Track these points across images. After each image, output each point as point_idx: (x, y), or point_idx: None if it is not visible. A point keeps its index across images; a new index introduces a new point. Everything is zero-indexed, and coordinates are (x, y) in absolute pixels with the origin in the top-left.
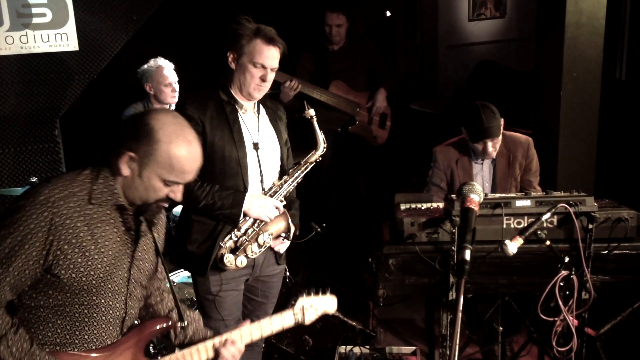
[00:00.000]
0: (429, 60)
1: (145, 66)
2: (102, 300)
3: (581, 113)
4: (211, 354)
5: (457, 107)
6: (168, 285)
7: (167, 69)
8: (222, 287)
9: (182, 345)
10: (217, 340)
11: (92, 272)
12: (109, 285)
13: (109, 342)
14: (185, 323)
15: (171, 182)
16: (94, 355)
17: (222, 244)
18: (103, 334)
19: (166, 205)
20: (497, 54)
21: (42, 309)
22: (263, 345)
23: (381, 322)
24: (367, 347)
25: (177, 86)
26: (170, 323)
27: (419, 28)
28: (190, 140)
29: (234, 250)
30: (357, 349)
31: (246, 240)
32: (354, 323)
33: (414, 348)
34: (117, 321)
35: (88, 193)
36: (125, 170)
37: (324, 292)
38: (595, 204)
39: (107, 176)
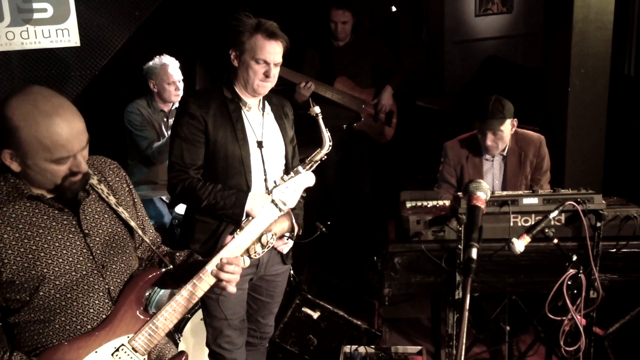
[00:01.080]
0: (435, 56)
1: (150, 63)
2: (68, 281)
3: (589, 109)
4: (211, 282)
5: (464, 104)
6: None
7: (171, 66)
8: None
9: (182, 280)
10: (211, 266)
11: (37, 263)
12: (67, 267)
13: (103, 317)
14: (170, 267)
15: (61, 160)
16: (95, 334)
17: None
18: (91, 311)
19: (78, 178)
20: (504, 49)
21: (17, 314)
22: (267, 344)
23: (386, 321)
24: (372, 346)
25: (181, 85)
26: (156, 272)
27: (424, 24)
28: (49, 112)
29: None
30: (362, 349)
31: None
32: (359, 322)
33: (419, 348)
34: (102, 294)
35: None
36: (14, 166)
37: (296, 172)
38: (604, 202)
39: (6, 176)
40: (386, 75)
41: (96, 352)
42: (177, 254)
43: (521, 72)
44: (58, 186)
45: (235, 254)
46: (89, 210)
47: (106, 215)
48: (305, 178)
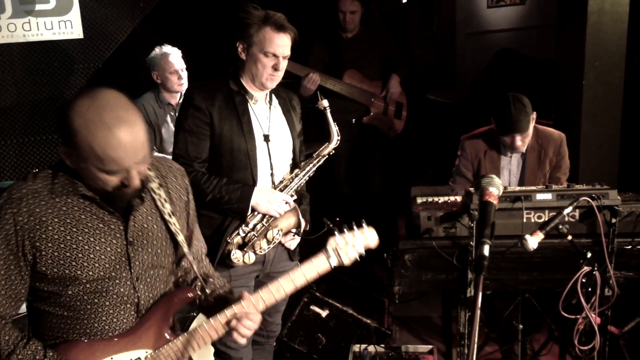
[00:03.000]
0: (446, 48)
1: (152, 54)
2: (99, 287)
3: (604, 103)
4: (222, 332)
5: (476, 97)
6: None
7: (172, 55)
8: (231, 283)
9: (205, 310)
10: (229, 313)
11: (73, 263)
12: (101, 273)
13: (126, 328)
14: (209, 291)
15: (112, 172)
16: (115, 340)
17: (229, 240)
18: (115, 320)
19: (130, 190)
20: (517, 42)
21: (43, 303)
22: (275, 344)
23: (397, 319)
24: (382, 345)
25: (184, 73)
26: (193, 293)
27: (435, 15)
28: (110, 124)
29: (241, 246)
30: (371, 348)
31: (255, 236)
32: (368, 321)
33: (430, 347)
34: (129, 306)
35: (50, 188)
36: (68, 162)
37: (359, 226)
38: (619, 197)
39: (67, 170)
40: (392, 67)
41: (112, 358)
42: (211, 279)
43: (534, 65)
44: (108, 193)
45: (255, 310)
46: (140, 217)
47: (155, 225)
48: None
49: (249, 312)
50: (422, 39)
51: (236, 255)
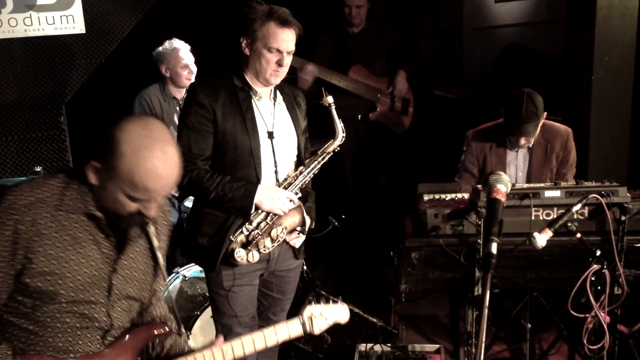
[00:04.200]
0: (454, 43)
1: (160, 48)
2: (75, 309)
3: (613, 99)
4: None
5: (483, 93)
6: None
7: (183, 50)
8: (235, 281)
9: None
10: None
11: (59, 281)
12: (81, 296)
13: (89, 352)
14: (183, 331)
15: (136, 199)
16: None
17: (232, 238)
18: (80, 343)
19: (141, 218)
20: (525, 36)
21: (10, 314)
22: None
23: (403, 318)
24: (389, 345)
25: (194, 68)
26: (168, 329)
27: (442, 10)
28: (159, 156)
29: (245, 245)
30: (378, 347)
31: (258, 235)
32: (374, 320)
33: (437, 346)
34: (98, 331)
35: (59, 199)
36: (93, 179)
37: (334, 301)
38: (629, 195)
39: (81, 183)
40: (398, 63)
41: None
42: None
43: (543, 60)
44: (118, 216)
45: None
46: (133, 248)
47: (142, 259)
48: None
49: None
50: (429, 34)
51: (240, 254)
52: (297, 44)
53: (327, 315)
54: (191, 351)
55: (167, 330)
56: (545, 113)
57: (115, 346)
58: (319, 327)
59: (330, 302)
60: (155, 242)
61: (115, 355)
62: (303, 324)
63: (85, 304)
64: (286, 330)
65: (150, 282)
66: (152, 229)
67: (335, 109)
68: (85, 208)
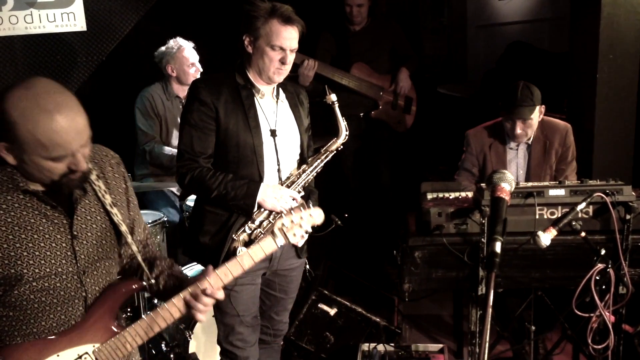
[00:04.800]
0: (457, 41)
1: (164, 48)
2: (46, 285)
3: (618, 97)
4: (183, 310)
5: (487, 91)
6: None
7: (187, 49)
8: (237, 281)
9: (158, 295)
10: (187, 293)
11: (18, 262)
12: (47, 269)
13: (73, 323)
14: (153, 280)
15: (57, 158)
16: (61, 337)
17: (235, 237)
18: (63, 317)
19: (77, 175)
20: (529, 34)
21: None
22: (282, 342)
23: (406, 318)
24: (392, 344)
25: (200, 66)
26: (138, 284)
27: (446, 7)
28: (50, 110)
29: (248, 244)
30: (381, 347)
31: (261, 233)
32: (377, 319)
33: (441, 346)
34: (77, 301)
35: None
36: (10, 159)
37: (305, 208)
38: (633, 193)
39: (4, 166)
40: (401, 61)
41: (58, 355)
42: (158, 261)
43: (547, 58)
44: (55, 182)
45: (216, 285)
46: (83, 210)
47: (98, 217)
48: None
49: (205, 288)
50: (433, 31)
51: (242, 253)
52: (299, 42)
53: (300, 222)
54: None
55: (139, 284)
56: (544, 106)
57: (91, 311)
58: (294, 235)
59: (301, 208)
60: (108, 198)
61: (94, 320)
62: (275, 238)
63: (54, 277)
64: (260, 249)
65: (114, 239)
66: (100, 185)
67: (339, 107)
68: (17, 186)
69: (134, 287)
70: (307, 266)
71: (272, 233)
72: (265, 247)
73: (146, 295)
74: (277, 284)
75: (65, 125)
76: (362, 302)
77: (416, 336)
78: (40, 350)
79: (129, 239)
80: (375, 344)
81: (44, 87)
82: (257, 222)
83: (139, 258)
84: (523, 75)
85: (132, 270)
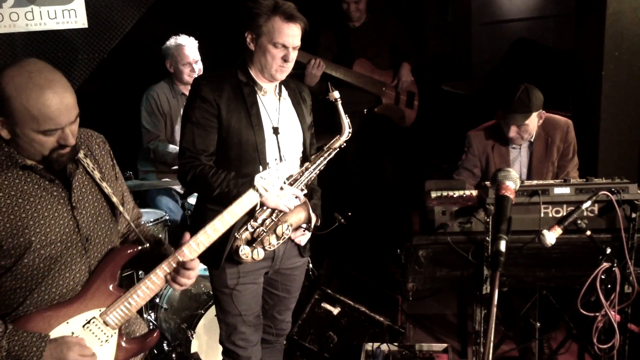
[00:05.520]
0: (461, 38)
1: (167, 43)
2: (53, 252)
3: (624, 94)
4: (161, 284)
5: (492, 89)
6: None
7: (188, 47)
8: (239, 280)
9: (145, 265)
10: (165, 266)
11: (26, 230)
12: (53, 237)
13: (79, 289)
14: (147, 245)
15: (48, 131)
16: (67, 305)
17: (237, 235)
18: (71, 283)
19: (67, 151)
20: (534, 31)
21: (2, 278)
22: (285, 342)
23: (410, 317)
24: (396, 344)
25: (197, 66)
26: (134, 249)
27: (450, 4)
28: (41, 85)
29: (250, 242)
30: (384, 346)
31: (264, 232)
32: (381, 318)
33: (445, 345)
34: (82, 267)
35: None
36: (4, 133)
37: (280, 160)
38: (639, 192)
39: (2, 145)
40: (402, 56)
41: (67, 322)
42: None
43: (552, 55)
44: (46, 157)
45: (194, 254)
46: (78, 183)
47: (92, 190)
48: (289, 166)
49: (184, 261)
50: (437, 28)
51: (245, 252)
52: (302, 40)
53: (277, 174)
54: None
55: (135, 248)
56: (543, 112)
57: (93, 277)
58: (273, 187)
59: (276, 162)
60: (97, 175)
61: (97, 286)
62: (257, 190)
63: (59, 244)
64: (242, 203)
65: (108, 210)
66: (88, 163)
67: (342, 104)
68: (15, 162)
69: (130, 251)
70: (310, 265)
71: (253, 187)
72: (248, 200)
73: None
74: (280, 283)
75: (55, 100)
76: (365, 302)
77: (420, 336)
78: (50, 320)
79: (121, 208)
80: (378, 344)
81: (36, 66)
82: (259, 221)
83: (132, 225)
84: (528, 73)
85: (130, 239)
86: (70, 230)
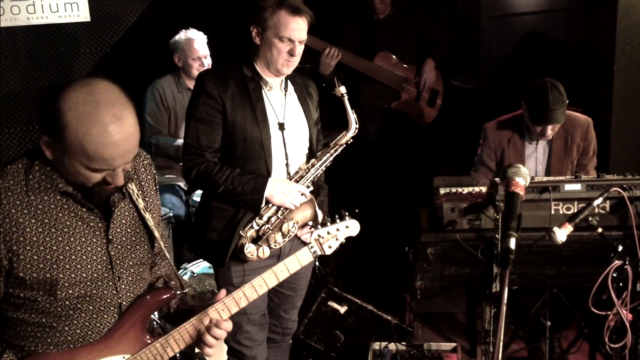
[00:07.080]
0: (471, 32)
1: (176, 37)
2: (82, 292)
3: (636, 89)
4: (189, 340)
5: (501, 83)
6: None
7: (197, 41)
8: (244, 278)
9: (167, 317)
10: (196, 321)
11: (54, 266)
12: (83, 275)
13: (106, 331)
14: (187, 290)
15: (97, 170)
16: (91, 347)
17: (242, 233)
18: (98, 325)
19: (111, 187)
20: (544, 25)
21: (18, 310)
22: (291, 341)
23: (419, 316)
24: (404, 343)
25: (207, 60)
26: (171, 294)
27: None
28: (109, 121)
29: (255, 240)
30: (392, 346)
31: (269, 229)
32: (389, 317)
33: (454, 344)
34: (112, 308)
35: (25, 184)
36: (49, 155)
37: (342, 218)
38: None
39: (44, 162)
40: (428, 51)
41: None
42: (173, 282)
43: (563, 49)
44: (87, 189)
45: (228, 314)
46: (119, 214)
47: (133, 221)
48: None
49: (218, 320)
50: (446, 22)
51: (250, 250)
52: (321, 29)
53: (336, 234)
54: (201, 306)
55: (172, 294)
56: (567, 101)
57: (122, 321)
58: (329, 247)
59: (337, 220)
60: (141, 203)
61: (125, 330)
62: (311, 249)
63: (89, 283)
64: (296, 260)
65: (147, 244)
66: (133, 189)
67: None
68: (55, 186)
69: (166, 296)
70: (317, 263)
71: (309, 245)
72: (302, 259)
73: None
74: (286, 281)
75: (116, 142)
76: (373, 300)
77: (428, 335)
78: (70, 359)
79: (162, 244)
80: (386, 343)
81: (106, 95)
82: (265, 218)
83: (173, 266)
84: (538, 67)
85: (161, 282)
86: (102, 268)
